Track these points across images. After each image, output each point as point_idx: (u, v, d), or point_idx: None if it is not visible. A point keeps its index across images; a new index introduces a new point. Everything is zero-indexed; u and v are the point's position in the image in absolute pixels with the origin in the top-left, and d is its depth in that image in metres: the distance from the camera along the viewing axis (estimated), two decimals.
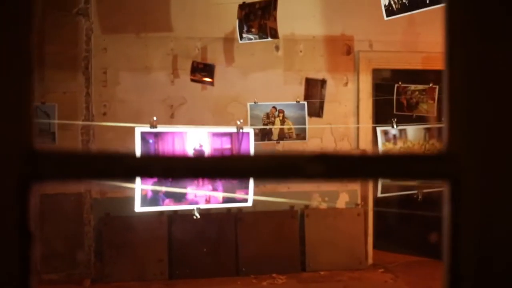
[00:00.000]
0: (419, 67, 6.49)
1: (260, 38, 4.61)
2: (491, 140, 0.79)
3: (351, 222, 6.40)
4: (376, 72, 6.58)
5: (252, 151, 2.64)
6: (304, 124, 4.49)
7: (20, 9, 0.73)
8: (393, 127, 2.77)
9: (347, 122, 6.43)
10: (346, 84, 6.43)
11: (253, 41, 4.72)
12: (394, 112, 5.57)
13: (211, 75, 5.76)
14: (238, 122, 2.69)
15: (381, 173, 0.84)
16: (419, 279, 6.08)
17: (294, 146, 5.47)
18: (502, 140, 0.79)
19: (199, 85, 6.02)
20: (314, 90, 5.35)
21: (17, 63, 0.75)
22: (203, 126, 2.60)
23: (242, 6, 4.66)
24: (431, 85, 5.39)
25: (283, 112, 4.43)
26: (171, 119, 6.07)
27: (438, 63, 6.54)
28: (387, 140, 2.75)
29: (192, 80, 5.86)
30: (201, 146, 2.54)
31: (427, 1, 3.17)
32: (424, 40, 6.28)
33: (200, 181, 2.53)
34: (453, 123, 0.81)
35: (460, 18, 0.77)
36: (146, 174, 0.82)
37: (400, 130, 2.77)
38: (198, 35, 6.12)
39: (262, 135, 4.41)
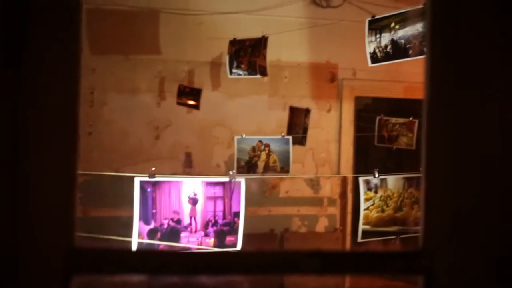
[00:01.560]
0: (400, 96, 6.67)
1: (249, 74, 4.72)
2: (464, 237, 0.89)
3: (330, 246, 6.52)
4: (358, 100, 6.73)
5: (243, 201, 2.75)
6: (288, 157, 4.60)
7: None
8: (374, 176, 2.90)
9: (329, 148, 6.56)
10: (329, 111, 6.57)
11: (242, 76, 4.82)
12: (376, 143, 5.72)
13: (197, 99, 5.83)
14: (231, 173, 2.79)
15: (367, 269, 0.95)
16: None
17: (278, 179, 5.60)
18: (473, 238, 0.89)
19: (184, 108, 6.07)
20: (298, 118, 5.47)
21: (63, 181, 0.85)
22: (197, 176, 2.70)
23: (232, 42, 4.76)
24: (411, 118, 5.55)
25: (268, 146, 4.54)
26: (156, 140, 6.12)
27: (418, 93, 6.73)
28: (369, 189, 2.89)
29: (178, 103, 5.91)
30: (195, 194, 2.64)
31: (409, 52, 3.32)
32: (406, 70, 6.44)
33: (194, 227, 2.63)
34: (428, 222, 0.92)
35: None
36: (174, 270, 0.92)
37: (381, 180, 2.91)
38: (186, 59, 6.19)
39: (248, 167, 4.50)
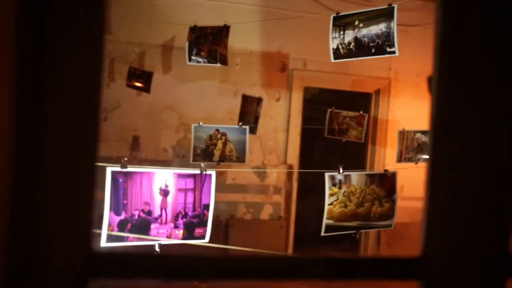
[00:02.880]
0: (348, 88, 6.81)
1: (209, 62, 4.67)
2: (462, 245, 0.95)
3: (274, 234, 6.61)
4: (305, 90, 6.82)
5: (213, 193, 2.76)
6: (245, 146, 4.61)
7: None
8: (339, 172, 2.97)
9: (277, 137, 6.63)
10: (278, 99, 6.62)
11: (201, 64, 4.77)
12: (325, 135, 5.83)
13: (147, 82, 5.74)
14: (202, 165, 2.78)
15: (368, 274, 1.00)
16: None
17: (226, 165, 5.62)
18: (472, 246, 0.95)
19: (134, 91, 5.97)
20: (250, 107, 5.48)
21: (83, 191, 0.84)
22: (169, 168, 2.68)
23: (193, 29, 4.69)
24: (361, 112, 5.68)
25: (225, 135, 4.53)
26: (104, 122, 5.99)
27: (365, 86, 6.90)
28: (334, 184, 2.95)
29: (128, 86, 5.80)
30: (166, 186, 2.62)
31: (372, 51, 3.39)
32: (354, 64, 6.56)
33: (164, 218, 2.62)
34: (429, 230, 0.97)
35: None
36: (189, 275, 0.94)
37: (346, 176, 2.98)
38: (137, 40, 6.06)
39: (204, 156, 4.49)
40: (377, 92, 6.92)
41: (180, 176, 2.65)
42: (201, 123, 4.53)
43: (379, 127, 6.73)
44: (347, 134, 5.57)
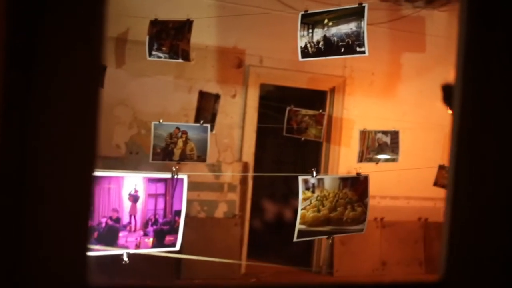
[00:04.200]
0: (304, 86, 6.78)
1: (171, 58, 4.51)
2: (480, 271, 0.90)
3: (228, 232, 6.53)
4: (261, 87, 6.75)
5: (185, 198, 2.62)
6: (206, 145, 4.49)
7: None
8: (312, 176, 2.89)
9: (232, 134, 6.53)
10: (234, 96, 6.53)
11: (162, 59, 4.60)
12: (284, 133, 5.77)
13: (100, 76, 5.52)
14: (174, 169, 2.65)
15: None
16: None
17: (194, 167, 5.47)
18: (492, 271, 0.90)
19: None
20: (207, 103, 5.36)
21: (79, 227, 0.74)
22: (139, 172, 2.52)
23: (153, 23, 4.51)
24: (320, 111, 5.65)
25: (186, 133, 4.39)
26: None
27: (320, 84, 6.89)
28: (307, 188, 2.87)
29: None
30: (136, 191, 2.47)
31: (342, 50, 3.34)
32: (311, 61, 6.56)
33: (133, 225, 2.47)
34: (450, 255, 0.91)
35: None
36: None
37: (319, 179, 2.91)
38: None
39: (164, 155, 4.34)
40: (333, 90, 6.93)
41: (150, 180, 2.51)
42: (161, 121, 4.38)
43: (334, 125, 6.73)
44: (306, 132, 5.53)
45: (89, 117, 0.74)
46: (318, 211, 2.85)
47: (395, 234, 6.88)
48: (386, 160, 5.07)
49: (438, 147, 7.33)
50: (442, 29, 7.22)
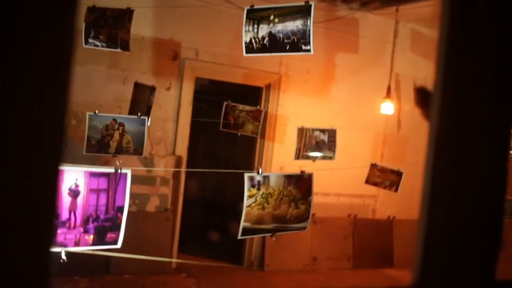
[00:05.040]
0: (239, 81, 6.77)
1: (108, 47, 4.34)
2: (456, 274, 0.92)
3: (159, 226, 6.43)
4: (197, 81, 6.68)
5: (128, 194, 2.52)
6: (143, 138, 4.37)
7: None
8: (258, 173, 2.88)
9: (165, 127, 6.43)
10: (169, 89, 6.42)
11: (99, 48, 4.43)
12: (221, 129, 5.73)
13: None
14: (118, 163, 2.54)
15: None
16: (220, 284, 6.37)
17: (127, 160, 5.32)
18: (466, 274, 0.92)
19: None
20: (142, 96, 5.23)
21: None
22: (81, 166, 2.39)
23: (91, 9, 4.33)
24: (258, 107, 5.65)
25: (123, 125, 4.26)
26: None
27: (256, 80, 6.90)
28: (252, 185, 2.85)
29: None
30: (77, 186, 2.34)
31: (287, 48, 3.33)
32: (247, 57, 6.55)
33: (73, 222, 2.35)
34: (425, 259, 0.93)
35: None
36: None
37: (264, 177, 2.90)
38: None
39: (99, 147, 4.19)
40: (268, 86, 6.95)
41: (92, 175, 2.39)
42: (97, 112, 4.23)
43: (268, 122, 6.76)
44: (243, 128, 5.51)
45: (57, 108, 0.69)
46: (263, 208, 2.84)
47: (325, 230, 7.01)
48: (323, 158, 5.14)
49: (368, 145, 7.53)
50: (375, 31, 7.41)
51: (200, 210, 7.60)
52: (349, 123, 7.01)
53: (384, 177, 5.71)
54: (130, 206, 6.27)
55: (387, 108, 6.52)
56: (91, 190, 2.38)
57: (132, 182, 6.22)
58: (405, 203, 7.71)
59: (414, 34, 7.81)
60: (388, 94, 6.55)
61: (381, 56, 7.44)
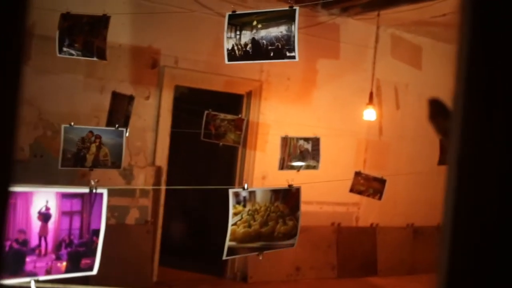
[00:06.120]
0: (220, 89, 6.64)
1: (84, 55, 4.17)
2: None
3: (140, 239, 6.25)
4: (177, 89, 6.54)
5: (104, 216, 2.35)
6: (121, 151, 4.21)
7: None
8: (244, 189, 2.74)
9: (145, 137, 6.27)
10: (148, 98, 6.27)
11: (74, 57, 4.26)
12: (202, 138, 5.58)
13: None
14: (93, 182, 2.37)
15: None
16: None
17: (105, 173, 5.15)
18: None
19: None
20: (120, 105, 5.07)
21: None
22: (52, 186, 2.21)
23: (65, 16, 4.16)
24: (240, 116, 5.52)
25: (100, 137, 4.10)
26: None
27: (237, 88, 6.78)
28: (238, 202, 2.71)
29: None
30: (48, 209, 2.17)
31: (271, 54, 3.22)
32: (227, 64, 6.42)
33: (44, 248, 2.18)
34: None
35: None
36: None
37: (250, 192, 2.76)
38: None
39: (75, 161, 4.02)
40: (249, 94, 6.84)
41: (64, 196, 2.22)
42: (72, 124, 4.05)
43: (250, 130, 6.63)
44: (224, 138, 5.37)
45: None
46: (249, 226, 2.70)
47: (309, 239, 6.89)
48: (307, 167, 5.02)
49: (351, 152, 7.45)
50: (356, 36, 7.35)
51: (181, 221, 7.43)
52: (331, 130, 6.92)
53: (368, 185, 5.62)
54: (108, 219, 6.12)
55: (370, 114, 6.44)
56: (63, 213, 2.20)
57: (111, 195, 6.05)
58: (387, 210, 7.64)
59: (394, 39, 7.77)
60: (371, 100, 6.48)
61: (362, 61, 7.37)
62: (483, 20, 0.75)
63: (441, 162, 5.68)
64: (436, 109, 0.87)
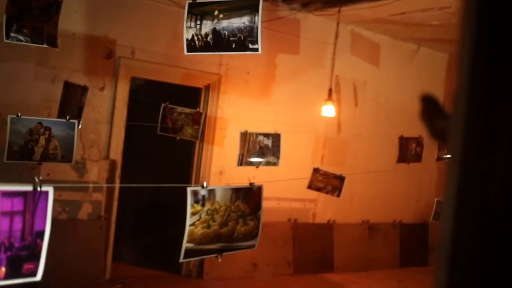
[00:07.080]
0: (177, 82, 6.48)
1: (33, 42, 3.94)
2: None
3: (92, 235, 6.06)
4: (133, 81, 6.35)
5: (49, 216, 2.17)
6: (72, 144, 4.01)
7: None
8: (203, 187, 2.61)
9: (99, 129, 6.06)
10: (102, 89, 6.06)
11: (23, 43, 4.03)
12: (158, 132, 5.42)
13: None
14: (37, 179, 2.18)
15: None
16: None
17: (56, 167, 4.92)
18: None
19: None
20: (73, 96, 4.86)
21: None
22: None
23: (13, 0, 3.92)
24: (198, 110, 5.38)
25: (50, 129, 3.89)
26: None
27: (195, 81, 6.63)
28: (196, 201, 2.58)
29: None
30: None
31: (233, 46, 3.10)
32: (186, 56, 6.27)
33: None
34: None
35: None
36: None
37: (210, 191, 2.63)
38: None
39: (22, 154, 3.80)
40: (207, 87, 6.70)
41: (4, 194, 2.02)
42: (19, 114, 3.83)
43: (208, 124, 6.50)
44: (182, 132, 5.22)
45: None
46: (208, 227, 2.58)
47: (265, 235, 6.80)
48: (266, 164, 4.93)
49: (309, 148, 7.42)
50: (316, 32, 7.31)
51: (136, 216, 7.25)
52: (290, 125, 6.86)
53: (326, 182, 5.59)
54: (59, 214, 5.89)
55: (328, 110, 6.41)
56: (2, 213, 2.01)
57: (62, 189, 5.86)
58: (344, 207, 7.65)
59: (354, 36, 7.77)
60: (330, 96, 6.45)
61: (322, 57, 7.34)
62: (486, 20, 0.68)
63: (438, 158, 5.85)
64: (429, 107, 0.78)
